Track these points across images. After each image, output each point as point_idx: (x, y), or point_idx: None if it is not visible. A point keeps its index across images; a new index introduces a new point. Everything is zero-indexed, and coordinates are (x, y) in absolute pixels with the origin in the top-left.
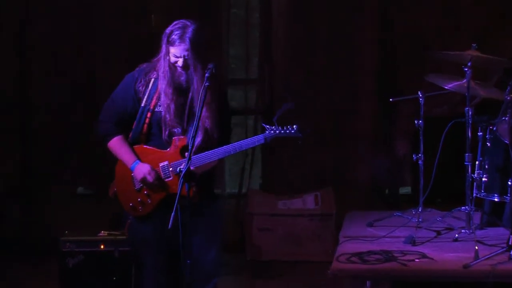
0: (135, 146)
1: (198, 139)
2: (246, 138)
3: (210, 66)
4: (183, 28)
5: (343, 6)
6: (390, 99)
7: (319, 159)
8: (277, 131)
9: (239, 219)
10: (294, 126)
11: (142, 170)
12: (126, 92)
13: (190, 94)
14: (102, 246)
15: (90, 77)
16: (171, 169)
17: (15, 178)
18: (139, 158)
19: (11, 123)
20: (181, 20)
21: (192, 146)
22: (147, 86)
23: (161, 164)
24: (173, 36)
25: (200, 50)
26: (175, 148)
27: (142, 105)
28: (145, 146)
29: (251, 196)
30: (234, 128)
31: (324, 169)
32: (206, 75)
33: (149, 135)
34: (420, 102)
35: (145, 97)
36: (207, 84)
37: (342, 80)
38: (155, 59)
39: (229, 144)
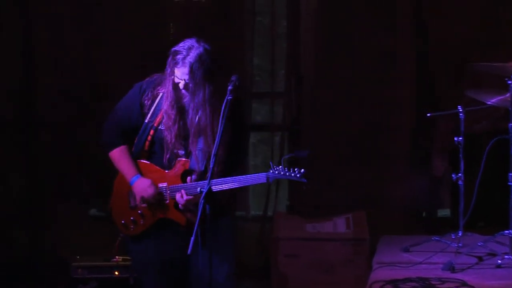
0: (138, 161)
1: (201, 164)
2: (262, 169)
3: (233, 78)
4: (188, 50)
5: (376, 14)
6: (428, 114)
7: (351, 178)
8: (281, 173)
9: (264, 243)
10: (302, 170)
11: (141, 184)
12: (131, 104)
13: (190, 116)
14: (116, 273)
15: (102, 90)
16: (168, 192)
17: (22, 198)
18: (140, 173)
19: (17, 140)
20: (190, 40)
21: (213, 166)
22: (153, 101)
23: (159, 185)
24: (177, 56)
25: (203, 75)
26: (177, 171)
27: (146, 121)
28: (147, 162)
29: (277, 219)
30: (259, 145)
31: (356, 189)
32: (229, 88)
33: (150, 152)
34: (460, 117)
35: (150, 113)
36: (229, 97)
37: (375, 93)
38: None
39: (239, 170)
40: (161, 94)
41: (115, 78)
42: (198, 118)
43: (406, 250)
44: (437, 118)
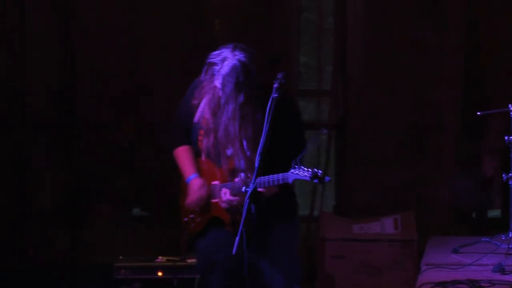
0: (198, 158)
1: (244, 164)
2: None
3: (279, 76)
4: (222, 62)
5: (425, 12)
6: (478, 113)
7: (398, 179)
8: (299, 173)
9: (310, 244)
10: (315, 170)
11: (193, 186)
12: (187, 102)
13: (222, 127)
14: (160, 273)
15: (144, 90)
16: (218, 189)
17: (63, 198)
18: (198, 172)
19: (58, 140)
20: (226, 49)
21: (258, 166)
22: (200, 101)
23: (213, 183)
24: (213, 68)
25: (234, 88)
26: (225, 170)
27: (195, 121)
28: (204, 160)
29: (324, 219)
30: None
31: (403, 189)
32: (275, 85)
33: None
34: (511, 116)
35: (198, 113)
36: (275, 95)
37: (424, 91)
38: None
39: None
40: (207, 95)
41: (157, 78)
42: (229, 129)
43: (455, 251)
44: (487, 117)
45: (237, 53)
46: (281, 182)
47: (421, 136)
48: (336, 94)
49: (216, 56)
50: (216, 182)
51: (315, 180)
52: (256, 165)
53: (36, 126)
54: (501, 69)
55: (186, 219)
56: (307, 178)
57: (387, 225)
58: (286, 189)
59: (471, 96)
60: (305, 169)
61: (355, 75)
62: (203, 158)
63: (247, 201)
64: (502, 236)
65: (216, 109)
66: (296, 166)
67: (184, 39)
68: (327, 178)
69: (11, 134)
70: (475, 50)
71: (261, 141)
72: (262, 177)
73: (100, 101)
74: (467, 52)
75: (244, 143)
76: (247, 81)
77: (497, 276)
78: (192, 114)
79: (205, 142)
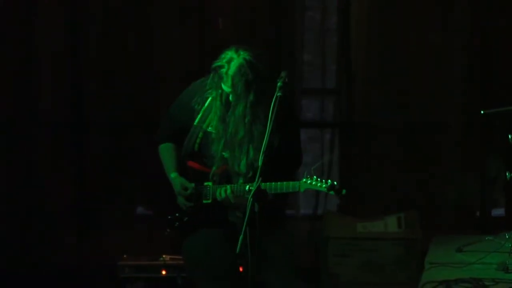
0: (187, 161)
1: (243, 166)
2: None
3: (282, 74)
4: (228, 63)
5: (430, 11)
6: (481, 112)
7: (402, 178)
8: (313, 183)
9: (314, 243)
10: (333, 182)
11: (176, 184)
12: (183, 104)
13: (230, 128)
14: (163, 272)
15: (152, 93)
16: (211, 191)
17: (70, 198)
18: (177, 171)
19: (66, 143)
20: (230, 51)
21: (261, 164)
22: (202, 104)
23: (205, 184)
24: (221, 71)
25: (244, 87)
26: (220, 172)
27: (195, 123)
28: (194, 162)
29: (328, 218)
30: (309, 143)
31: (407, 189)
32: (278, 84)
33: (200, 153)
34: None
35: (199, 116)
36: (279, 94)
37: (428, 91)
38: None
39: (290, 176)
40: (210, 98)
41: (165, 81)
42: (238, 129)
43: (459, 250)
44: (492, 115)
45: (241, 52)
46: (290, 190)
47: (425, 135)
48: (341, 93)
49: (221, 59)
50: (208, 183)
51: (331, 192)
52: (260, 163)
53: (44, 126)
54: (507, 66)
55: (170, 216)
56: (324, 190)
57: (390, 224)
58: (282, 198)
59: (477, 94)
60: (319, 179)
61: (359, 74)
62: (191, 161)
63: (251, 199)
64: (506, 234)
65: (224, 114)
66: (308, 176)
67: (190, 40)
68: (344, 190)
69: (19, 134)
70: (481, 48)
71: (265, 139)
72: (272, 183)
73: (107, 102)
74: (472, 52)
75: (250, 145)
76: (256, 79)
77: (501, 275)
78: (192, 117)
79: (215, 147)
